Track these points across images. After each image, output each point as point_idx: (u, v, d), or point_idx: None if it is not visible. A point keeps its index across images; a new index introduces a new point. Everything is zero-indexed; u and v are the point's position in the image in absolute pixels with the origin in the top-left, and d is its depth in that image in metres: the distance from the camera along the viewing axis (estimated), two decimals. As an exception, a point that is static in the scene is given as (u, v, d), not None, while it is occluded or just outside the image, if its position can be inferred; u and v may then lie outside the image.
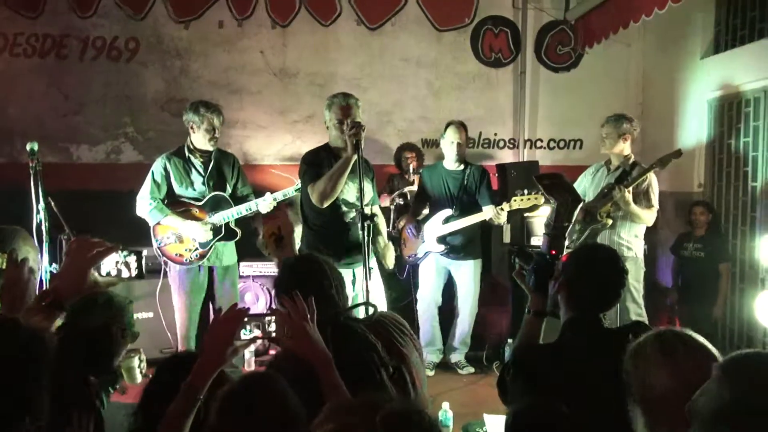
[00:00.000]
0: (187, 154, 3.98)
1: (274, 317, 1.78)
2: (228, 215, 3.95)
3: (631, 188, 3.92)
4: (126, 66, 5.32)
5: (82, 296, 1.76)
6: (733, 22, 4.76)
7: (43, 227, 3.30)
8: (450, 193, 4.34)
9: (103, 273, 1.88)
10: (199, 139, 3.94)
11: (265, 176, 5.18)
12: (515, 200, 4.07)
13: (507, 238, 5.08)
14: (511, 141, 5.77)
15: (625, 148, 4.14)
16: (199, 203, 3.98)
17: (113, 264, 1.84)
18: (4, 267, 1.95)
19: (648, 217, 4.04)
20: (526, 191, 4.05)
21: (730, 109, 4.66)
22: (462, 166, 4.37)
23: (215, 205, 3.97)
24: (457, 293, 4.46)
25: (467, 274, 4.39)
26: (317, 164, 3.41)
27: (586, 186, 4.32)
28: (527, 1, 5.60)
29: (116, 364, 2.13)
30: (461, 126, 4.35)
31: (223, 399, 1.45)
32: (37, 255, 2.12)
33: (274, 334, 1.78)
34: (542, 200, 4.03)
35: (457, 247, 4.32)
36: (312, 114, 5.44)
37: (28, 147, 3.47)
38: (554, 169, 5.22)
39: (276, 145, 5.53)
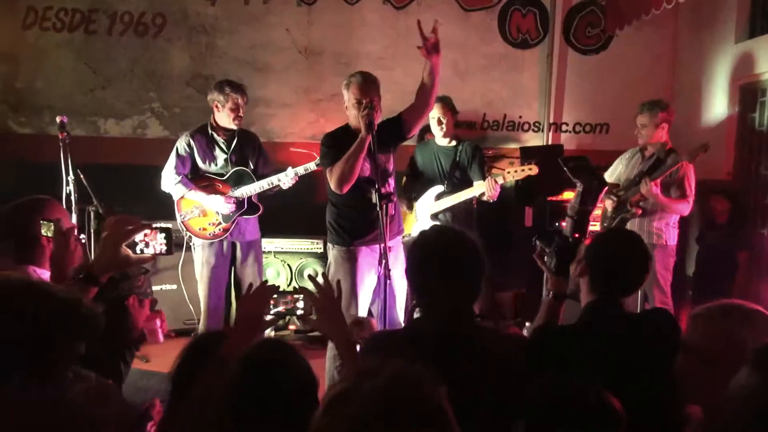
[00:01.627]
0: (210, 131, 4.02)
1: (302, 295, 1.79)
2: (251, 190, 3.99)
3: (659, 180, 3.85)
4: (153, 41, 5.35)
5: (116, 271, 1.80)
6: (770, 5, 4.62)
7: (72, 198, 3.37)
8: (442, 169, 4.24)
9: (137, 251, 1.91)
10: (223, 118, 3.97)
11: (290, 154, 5.19)
12: (509, 172, 4.02)
13: (528, 222, 5.06)
14: (536, 124, 5.71)
15: (662, 135, 4.06)
16: (222, 178, 4.02)
17: (141, 238, 1.87)
18: (50, 235, 2.00)
19: (680, 207, 3.94)
20: (519, 162, 4.01)
21: (763, 96, 4.55)
22: (454, 143, 4.26)
23: (238, 180, 4.01)
24: None
25: None
26: (335, 147, 3.37)
27: (621, 171, 4.23)
28: (556, -19, 5.49)
29: (136, 334, 2.17)
30: (442, 101, 4.22)
31: (239, 361, 1.48)
32: (70, 221, 2.18)
33: (302, 312, 1.79)
34: (536, 170, 3.95)
35: (447, 223, 4.21)
36: (336, 93, 5.33)
37: (57, 120, 3.54)
38: (579, 154, 5.16)
39: (300, 124, 5.54)
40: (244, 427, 1.40)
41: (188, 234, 4.02)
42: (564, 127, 5.70)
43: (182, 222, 4.00)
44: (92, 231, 3.77)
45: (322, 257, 4.61)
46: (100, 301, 1.98)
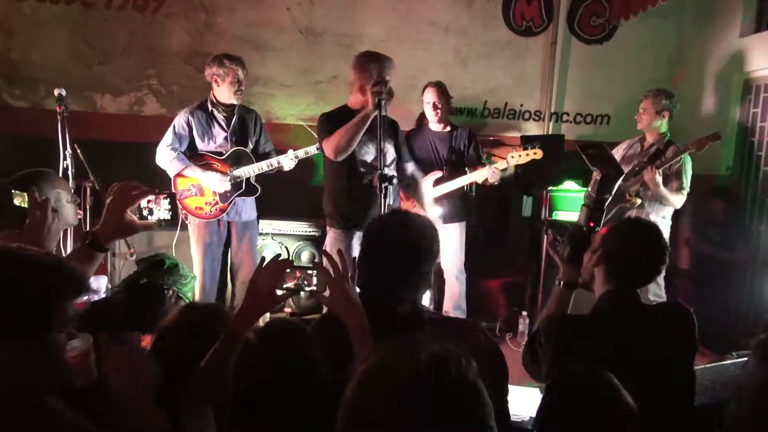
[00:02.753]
0: (210, 108, 3.95)
1: (315, 271, 1.76)
2: (250, 171, 3.93)
3: (661, 170, 3.84)
4: (151, 17, 5.24)
5: (122, 237, 1.78)
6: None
7: (69, 173, 3.31)
8: (439, 155, 4.23)
9: (143, 217, 1.89)
10: (224, 92, 3.89)
11: (286, 135, 5.14)
12: (512, 156, 3.99)
13: (527, 212, 5.05)
14: (537, 113, 5.67)
15: (662, 125, 4.05)
16: (221, 158, 3.96)
17: (145, 204, 1.85)
18: (24, 205, 1.97)
19: (677, 200, 3.95)
20: (523, 146, 3.99)
21: (766, 91, 4.55)
22: (449, 128, 4.25)
23: (237, 160, 3.95)
24: (443, 257, 4.37)
25: (454, 237, 4.23)
26: (334, 120, 3.36)
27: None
28: (562, -32, 5.44)
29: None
30: (438, 86, 4.19)
31: (249, 339, 1.47)
32: (70, 195, 2.13)
33: (314, 288, 1.76)
34: (540, 154, 3.94)
35: (446, 210, 4.20)
36: (336, 75, 5.36)
37: (56, 93, 3.46)
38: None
39: (299, 105, 5.47)
40: (252, 406, 1.38)
41: (183, 212, 3.97)
42: (565, 117, 5.67)
43: (179, 200, 3.94)
44: (88, 207, 3.72)
45: (320, 240, 4.57)
46: (141, 280, 1.97)
